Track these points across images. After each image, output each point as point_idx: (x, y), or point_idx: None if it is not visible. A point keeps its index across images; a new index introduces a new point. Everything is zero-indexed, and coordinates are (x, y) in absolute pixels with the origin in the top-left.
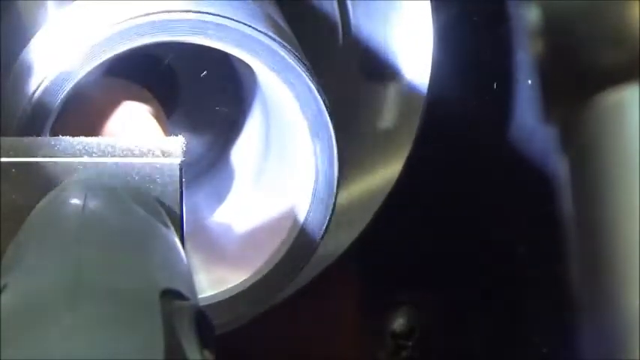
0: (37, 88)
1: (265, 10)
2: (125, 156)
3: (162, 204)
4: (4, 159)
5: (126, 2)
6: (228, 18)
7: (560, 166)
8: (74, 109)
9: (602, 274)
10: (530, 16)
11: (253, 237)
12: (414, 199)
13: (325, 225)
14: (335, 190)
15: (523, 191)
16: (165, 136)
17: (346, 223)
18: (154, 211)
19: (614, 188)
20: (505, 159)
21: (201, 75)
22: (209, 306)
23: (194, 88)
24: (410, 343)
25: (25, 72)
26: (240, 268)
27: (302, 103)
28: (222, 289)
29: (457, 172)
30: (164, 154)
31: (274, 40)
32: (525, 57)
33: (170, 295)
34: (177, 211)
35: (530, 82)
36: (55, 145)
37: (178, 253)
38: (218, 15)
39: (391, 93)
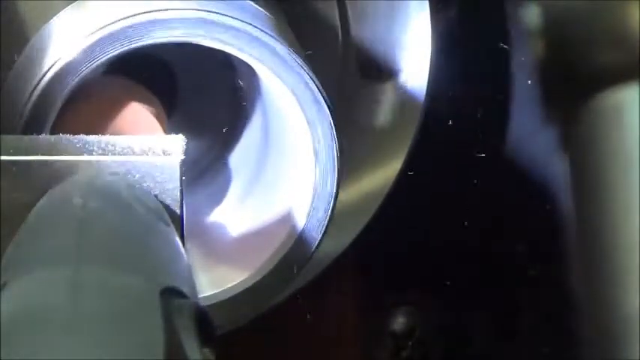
0: (37, 86)
1: (266, 11)
2: (125, 154)
3: (162, 202)
4: (4, 157)
5: (127, 2)
6: (229, 17)
7: (560, 166)
8: (75, 107)
9: (602, 273)
10: (530, 16)
11: (253, 237)
12: (413, 199)
13: (325, 225)
14: (335, 190)
15: (523, 191)
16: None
17: (346, 223)
18: (154, 210)
19: (614, 188)
20: (505, 159)
21: (202, 75)
22: (209, 306)
23: (194, 89)
24: (410, 343)
25: (26, 70)
26: (240, 268)
27: (303, 103)
28: (222, 289)
29: (456, 172)
30: (164, 152)
31: (276, 41)
32: (525, 57)
33: (170, 293)
34: (178, 209)
35: (530, 82)
36: (55, 144)
37: (179, 252)
38: (219, 14)
39: (390, 93)
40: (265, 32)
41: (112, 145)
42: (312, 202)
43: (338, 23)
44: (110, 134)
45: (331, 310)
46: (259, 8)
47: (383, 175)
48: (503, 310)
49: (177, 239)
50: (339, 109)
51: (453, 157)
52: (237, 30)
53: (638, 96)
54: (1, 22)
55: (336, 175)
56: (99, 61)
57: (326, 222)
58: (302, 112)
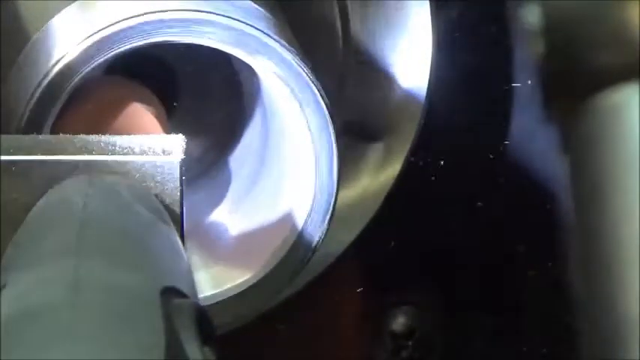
0: (37, 86)
1: (266, 11)
2: (126, 154)
3: (162, 202)
4: (4, 157)
5: (128, 2)
6: (229, 17)
7: (560, 166)
8: (75, 107)
9: (601, 274)
10: (530, 16)
11: (253, 237)
12: (413, 199)
13: (325, 225)
14: (335, 191)
15: (523, 191)
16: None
17: (346, 223)
18: (154, 210)
19: (614, 188)
20: (505, 159)
21: (202, 75)
22: (209, 306)
23: (194, 89)
24: (410, 343)
25: (26, 70)
26: (240, 268)
27: (303, 104)
28: (222, 289)
29: (457, 172)
30: (164, 152)
31: (276, 41)
32: (525, 57)
33: (170, 292)
34: (178, 209)
35: (530, 82)
36: (55, 143)
37: (179, 251)
38: (219, 14)
39: (391, 93)
40: (265, 32)
41: (112, 145)
42: (313, 202)
43: (338, 23)
44: (110, 134)
45: (331, 310)
46: (259, 8)
47: (383, 175)
48: (503, 310)
49: (178, 239)
50: (339, 109)
51: (454, 157)
52: (238, 30)
53: (638, 96)
54: (1, 22)
55: (336, 175)
56: (99, 61)
57: (326, 222)
58: (302, 112)
